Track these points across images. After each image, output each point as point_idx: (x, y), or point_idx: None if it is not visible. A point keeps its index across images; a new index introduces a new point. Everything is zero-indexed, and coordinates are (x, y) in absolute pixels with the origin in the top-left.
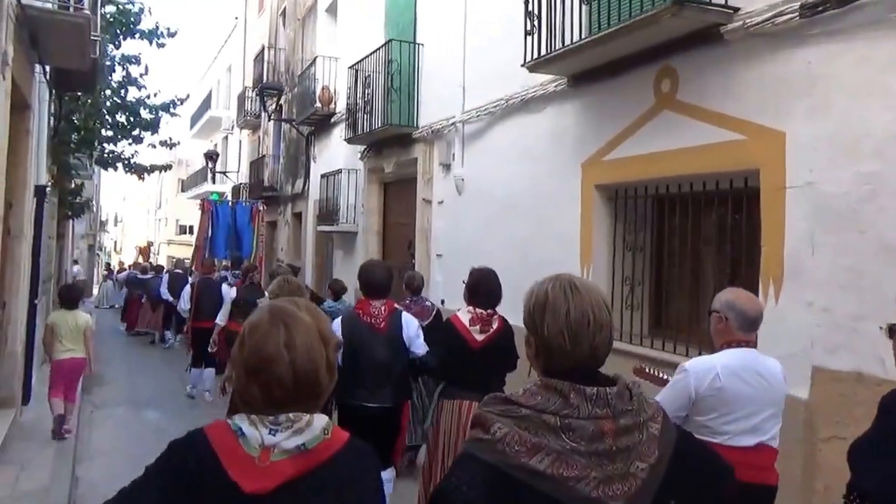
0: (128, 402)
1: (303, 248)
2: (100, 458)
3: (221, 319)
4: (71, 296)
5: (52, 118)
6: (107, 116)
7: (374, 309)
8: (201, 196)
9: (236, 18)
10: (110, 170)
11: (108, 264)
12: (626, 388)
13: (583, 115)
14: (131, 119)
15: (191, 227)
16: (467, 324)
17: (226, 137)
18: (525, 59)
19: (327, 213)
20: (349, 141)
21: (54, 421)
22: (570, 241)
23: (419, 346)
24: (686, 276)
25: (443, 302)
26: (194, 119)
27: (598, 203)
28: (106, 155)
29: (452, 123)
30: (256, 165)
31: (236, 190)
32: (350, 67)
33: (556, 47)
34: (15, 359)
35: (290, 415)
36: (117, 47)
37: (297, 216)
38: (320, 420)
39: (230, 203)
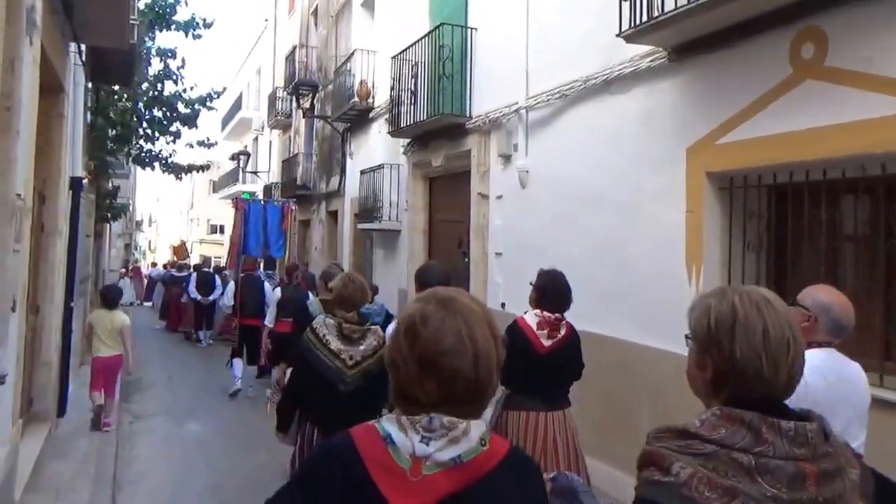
0: (168, 412)
1: (339, 247)
2: (142, 482)
3: (269, 321)
4: (111, 296)
5: (87, 111)
6: (143, 111)
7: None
8: (233, 196)
9: (266, 20)
10: (147, 169)
11: (127, 262)
12: (822, 426)
13: (688, 92)
14: (168, 114)
15: (221, 227)
16: (535, 328)
17: (256, 139)
18: (620, 29)
19: (367, 210)
20: (393, 134)
21: (94, 412)
22: (672, 238)
23: None
24: (819, 279)
25: (503, 305)
26: (225, 121)
27: (710, 194)
28: (143, 154)
29: (515, 111)
30: (289, 164)
31: (268, 189)
32: (393, 57)
33: (655, 15)
34: (50, 369)
35: (445, 420)
36: (152, 39)
37: (333, 214)
38: (478, 428)
39: (262, 202)
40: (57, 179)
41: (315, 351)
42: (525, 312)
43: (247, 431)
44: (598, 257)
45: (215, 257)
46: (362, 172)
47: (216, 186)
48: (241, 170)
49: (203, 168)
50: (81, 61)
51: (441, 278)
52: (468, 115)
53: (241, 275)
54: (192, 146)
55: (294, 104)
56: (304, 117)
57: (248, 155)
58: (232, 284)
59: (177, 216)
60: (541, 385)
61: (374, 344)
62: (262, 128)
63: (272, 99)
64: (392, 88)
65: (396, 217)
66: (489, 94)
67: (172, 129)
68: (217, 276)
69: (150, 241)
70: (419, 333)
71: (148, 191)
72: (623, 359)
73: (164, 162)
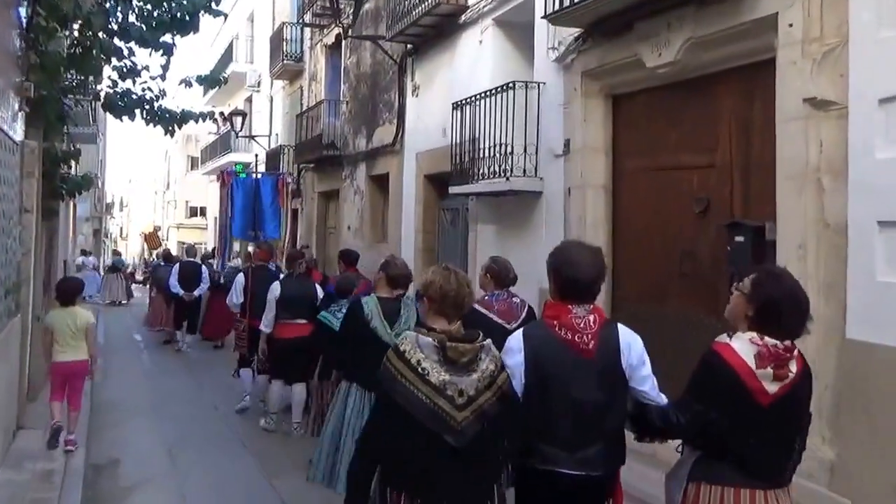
0: (161, 474)
1: (391, 224)
2: None
3: (266, 325)
4: (66, 291)
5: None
6: (118, 8)
7: (577, 320)
8: (222, 169)
9: None
10: (124, 119)
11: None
12: None
13: None
14: (153, 13)
15: (202, 209)
16: (752, 364)
17: (249, 98)
18: None
19: (463, 166)
20: (554, 21)
21: (51, 429)
22: None
23: (646, 382)
24: None
25: None
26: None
27: None
28: (117, 94)
29: None
30: (304, 120)
31: (273, 156)
32: None
33: None
34: None
35: None
36: None
37: (379, 180)
38: None
39: (254, 175)
40: None
41: (407, 387)
42: (729, 336)
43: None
44: None
45: (198, 244)
46: (456, 106)
47: (201, 159)
48: (235, 134)
49: (205, 117)
50: None
51: (590, 268)
52: None
53: (253, 265)
54: (188, 84)
55: (310, 40)
56: (345, 38)
57: (245, 114)
58: (240, 277)
59: (151, 198)
60: (760, 451)
61: (491, 368)
62: (258, 83)
63: (276, 41)
64: None
65: (533, 170)
66: None
67: (163, 38)
68: (204, 267)
69: (121, 228)
70: None
71: (119, 169)
72: None
73: (147, 107)
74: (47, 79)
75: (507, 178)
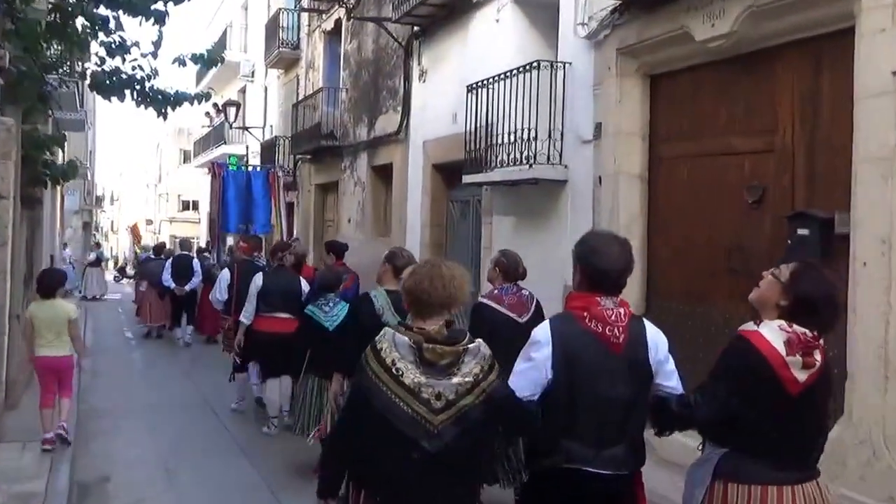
0: (155, 495)
1: (395, 217)
2: None
3: (246, 317)
4: (47, 283)
5: None
6: None
7: (606, 311)
8: (215, 161)
9: None
10: (113, 99)
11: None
12: None
13: None
14: None
15: (195, 203)
16: (782, 351)
17: (243, 89)
18: None
19: (478, 153)
20: None
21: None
22: None
23: (673, 377)
24: None
25: None
26: (200, 75)
27: None
28: (104, 70)
29: None
30: (300, 110)
31: (267, 148)
32: None
33: None
34: None
35: None
36: None
37: (381, 171)
38: None
39: (245, 169)
40: None
41: (381, 388)
42: (757, 324)
43: None
44: None
45: (191, 238)
46: (471, 89)
47: (194, 152)
48: (228, 126)
49: (200, 98)
50: None
51: (618, 259)
52: None
53: (238, 260)
54: (182, 63)
55: (308, 27)
56: (348, 19)
57: (239, 105)
58: (226, 273)
59: (143, 192)
60: (787, 443)
61: (476, 371)
62: (253, 73)
63: (271, 28)
64: None
65: (558, 157)
66: None
67: (155, 5)
68: (197, 260)
69: (112, 222)
70: None
71: (110, 161)
72: None
73: (138, 87)
74: (26, 51)
75: (530, 166)
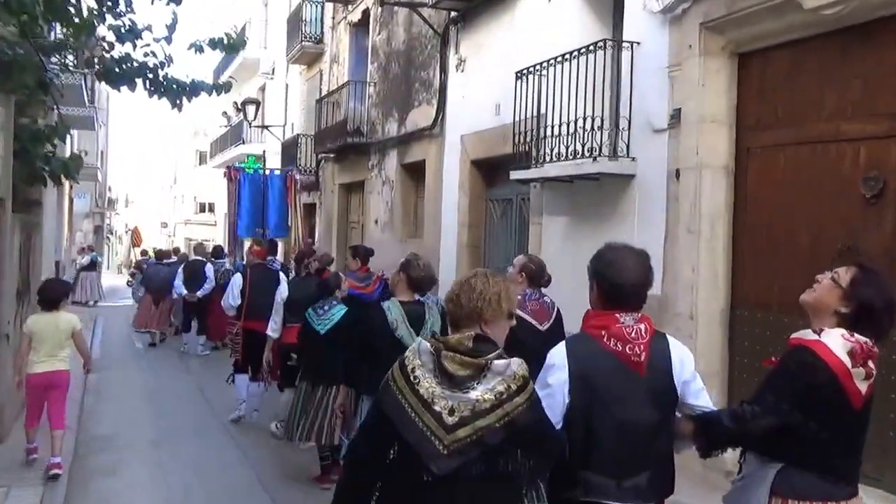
0: None
1: (427, 218)
2: None
3: (274, 329)
4: (49, 295)
5: None
6: None
7: (626, 328)
8: (231, 164)
9: None
10: (123, 89)
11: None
12: None
13: None
14: None
15: (211, 205)
16: (847, 363)
17: (263, 87)
18: None
19: (528, 147)
20: None
21: (27, 452)
22: None
23: (701, 396)
24: None
25: None
26: (218, 70)
27: None
28: (112, 57)
29: None
30: (324, 106)
31: (289, 146)
32: None
33: None
34: None
35: None
36: None
37: (412, 169)
38: None
39: (262, 172)
40: None
41: (396, 395)
42: (817, 332)
43: None
44: None
45: (203, 240)
46: (520, 75)
47: (211, 151)
48: (248, 124)
49: (219, 89)
50: None
51: (638, 273)
52: None
53: (250, 264)
54: (199, 49)
55: (332, 19)
56: (381, 5)
57: (258, 103)
58: (238, 277)
59: (158, 194)
60: (844, 454)
61: (500, 390)
62: (273, 70)
63: (293, 22)
64: None
65: (625, 149)
66: None
67: None
68: (209, 266)
69: (126, 225)
70: None
71: (123, 163)
72: None
73: (150, 76)
74: (22, 33)
75: (595, 159)
